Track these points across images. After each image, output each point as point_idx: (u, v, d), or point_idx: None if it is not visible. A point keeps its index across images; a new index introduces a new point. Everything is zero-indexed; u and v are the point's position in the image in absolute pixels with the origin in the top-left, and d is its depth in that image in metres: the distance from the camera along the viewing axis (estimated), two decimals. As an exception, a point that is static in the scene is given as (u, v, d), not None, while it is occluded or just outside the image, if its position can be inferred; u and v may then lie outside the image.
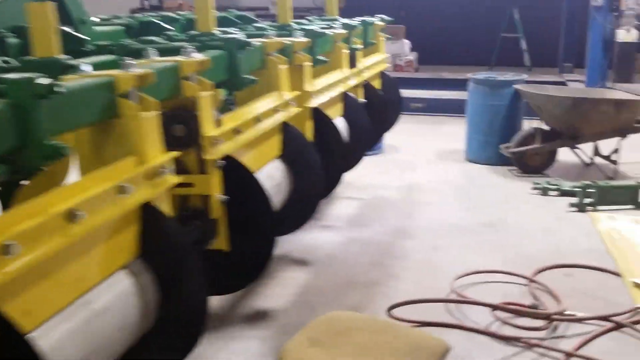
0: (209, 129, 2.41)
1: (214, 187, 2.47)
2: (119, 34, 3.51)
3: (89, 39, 2.85)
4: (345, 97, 4.23)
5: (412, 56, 11.12)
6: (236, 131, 2.63)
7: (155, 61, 2.32)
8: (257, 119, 2.88)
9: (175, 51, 2.46)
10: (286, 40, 3.38)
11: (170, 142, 2.22)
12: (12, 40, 2.73)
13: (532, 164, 5.96)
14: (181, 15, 4.11)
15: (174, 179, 2.15)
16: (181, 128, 2.36)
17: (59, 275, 1.70)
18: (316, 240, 4.53)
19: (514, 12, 11.06)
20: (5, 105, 1.60)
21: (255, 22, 4.24)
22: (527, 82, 6.53)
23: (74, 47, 2.65)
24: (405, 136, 7.40)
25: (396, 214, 5.14)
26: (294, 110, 3.31)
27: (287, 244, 4.35)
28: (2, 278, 1.46)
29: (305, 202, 3.40)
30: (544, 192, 5.38)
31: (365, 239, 4.57)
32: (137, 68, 2.00)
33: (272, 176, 3.08)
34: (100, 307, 1.84)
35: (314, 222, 4.78)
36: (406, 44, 11.12)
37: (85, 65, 2.07)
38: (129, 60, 2.02)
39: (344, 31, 4.28)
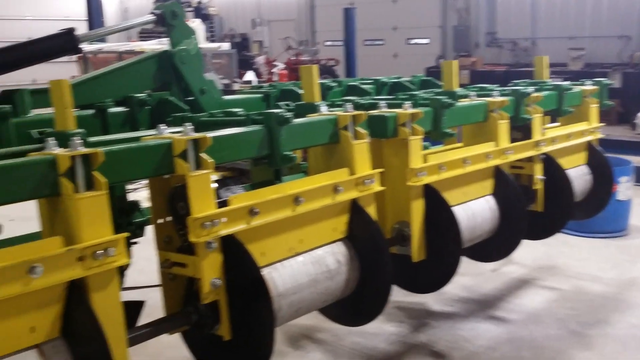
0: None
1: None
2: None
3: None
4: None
5: None
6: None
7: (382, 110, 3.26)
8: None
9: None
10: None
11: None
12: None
13: None
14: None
15: (378, 187, 3.03)
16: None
17: (286, 235, 2.70)
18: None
19: None
20: (263, 128, 2.68)
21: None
22: None
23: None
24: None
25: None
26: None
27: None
28: (248, 227, 2.50)
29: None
30: None
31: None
32: (353, 110, 2.97)
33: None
34: (316, 262, 2.79)
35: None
36: None
37: (324, 107, 3.09)
38: (350, 105, 3.00)
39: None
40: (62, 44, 3.41)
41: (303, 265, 2.75)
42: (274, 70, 13.81)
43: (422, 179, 3.32)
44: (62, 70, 5.88)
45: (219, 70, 12.69)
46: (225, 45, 14.52)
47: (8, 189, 1.97)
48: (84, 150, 2.06)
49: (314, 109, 3.14)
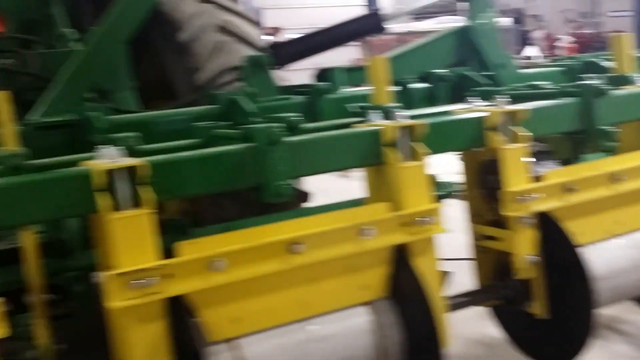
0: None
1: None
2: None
3: None
4: None
5: None
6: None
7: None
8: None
9: None
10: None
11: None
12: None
13: None
14: None
15: None
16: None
17: (603, 215, 2.54)
18: None
19: None
20: (578, 101, 2.54)
21: None
22: None
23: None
24: None
25: None
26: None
27: None
28: (563, 204, 2.39)
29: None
30: None
31: None
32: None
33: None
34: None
35: None
36: None
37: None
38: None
39: None
40: (369, 24, 3.58)
41: (624, 249, 2.57)
42: (558, 43, 13.07)
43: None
44: (343, 54, 6.11)
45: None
46: (506, 21, 14.10)
47: (339, 157, 2.13)
48: (408, 122, 2.14)
49: (627, 80, 2.90)
